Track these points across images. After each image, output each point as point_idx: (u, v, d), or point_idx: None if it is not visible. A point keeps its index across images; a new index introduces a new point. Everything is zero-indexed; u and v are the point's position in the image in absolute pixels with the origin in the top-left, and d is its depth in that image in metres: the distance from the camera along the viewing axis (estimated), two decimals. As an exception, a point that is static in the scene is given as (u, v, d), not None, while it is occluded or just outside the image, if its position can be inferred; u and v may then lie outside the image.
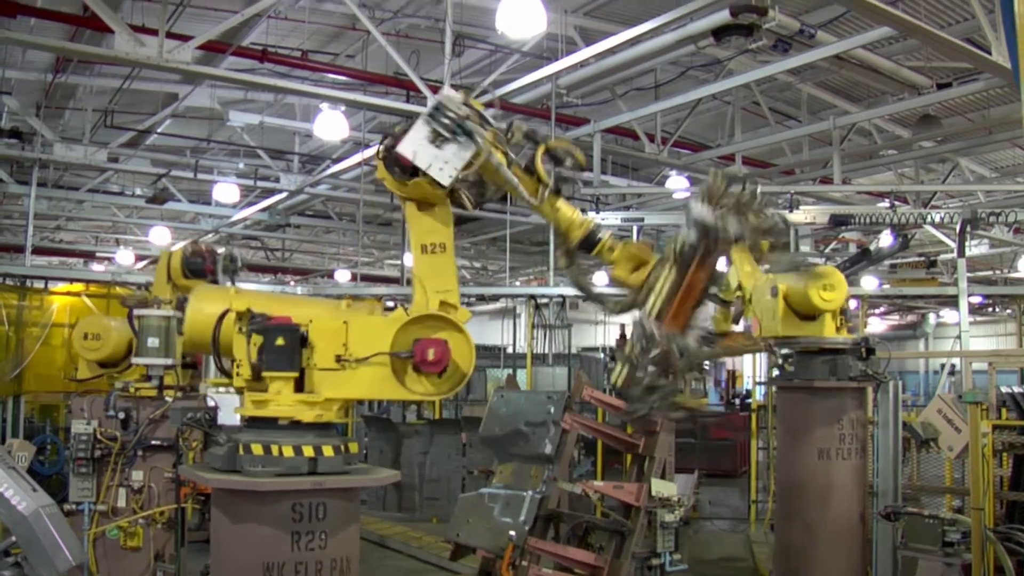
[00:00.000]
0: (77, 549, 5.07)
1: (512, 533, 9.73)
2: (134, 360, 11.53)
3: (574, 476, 11.05)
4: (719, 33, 12.32)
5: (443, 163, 6.58)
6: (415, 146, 6.57)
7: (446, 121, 6.55)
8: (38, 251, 27.90)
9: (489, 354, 31.22)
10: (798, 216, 17.94)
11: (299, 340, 6.71)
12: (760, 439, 20.03)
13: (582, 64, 14.23)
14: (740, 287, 10.16)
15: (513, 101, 16.06)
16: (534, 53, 15.99)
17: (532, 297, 21.03)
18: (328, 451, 6.93)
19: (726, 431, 26.80)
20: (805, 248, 20.20)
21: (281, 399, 6.82)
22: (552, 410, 10.26)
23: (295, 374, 6.77)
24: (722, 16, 11.97)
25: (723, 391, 42.19)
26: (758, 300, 10.56)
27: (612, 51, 13.44)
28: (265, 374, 6.75)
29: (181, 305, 11.79)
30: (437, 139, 6.56)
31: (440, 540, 15.33)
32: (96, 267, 33.56)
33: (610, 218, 19.01)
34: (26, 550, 5.01)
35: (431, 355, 6.59)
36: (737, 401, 37.33)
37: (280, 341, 6.73)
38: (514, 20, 12.40)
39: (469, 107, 6.76)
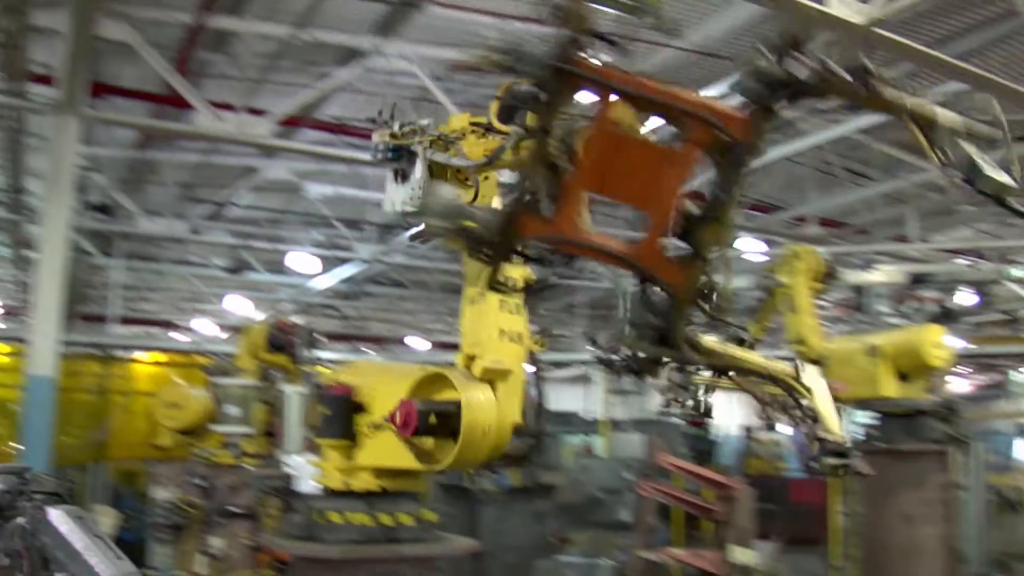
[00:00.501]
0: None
1: (589, 602, 9.60)
2: (214, 428, 11.67)
3: (652, 544, 10.88)
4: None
5: (394, 196, 6.13)
6: (387, 195, 6.19)
7: (381, 154, 6.14)
8: (122, 321, 28.48)
9: (564, 420, 31.00)
10: (875, 276, 17.65)
11: (349, 407, 6.69)
12: (842, 504, 19.54)
13: (653, 130, 14.24)
14: (800, 342, 9.99)
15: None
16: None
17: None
18: (405, 519, 6.89)
19: (807, 496, 26.20)
20: (883, 308, 19.88)
21: (328, 466, 6.83)
22: (629, 477, 10.15)
23: (345, 442, 6.74)
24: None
25: (803, 455, 41.39)
26: (845, 361, 10.34)
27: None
28: (319, 441, 6.78)
29: (266, 376, 12.00)
30: (397, 176, 6.19)
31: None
32: (177, 336, 34.14)
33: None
34: (109, 618, 5.02)
35: (397, 418, 6.38)
36: (816, 464, 36.52)
37: (330, 409, 6.74)
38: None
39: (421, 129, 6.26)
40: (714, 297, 5.44)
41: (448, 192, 5.57)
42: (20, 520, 5.32)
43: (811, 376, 6.51)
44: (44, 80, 13.48)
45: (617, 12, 4.45)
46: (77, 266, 19.62)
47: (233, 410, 11.40)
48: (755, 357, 6.77)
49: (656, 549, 10.33)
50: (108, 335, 21.30)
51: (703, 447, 18.07)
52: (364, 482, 6.91)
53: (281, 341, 11.97)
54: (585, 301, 21.29)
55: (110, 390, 18.31)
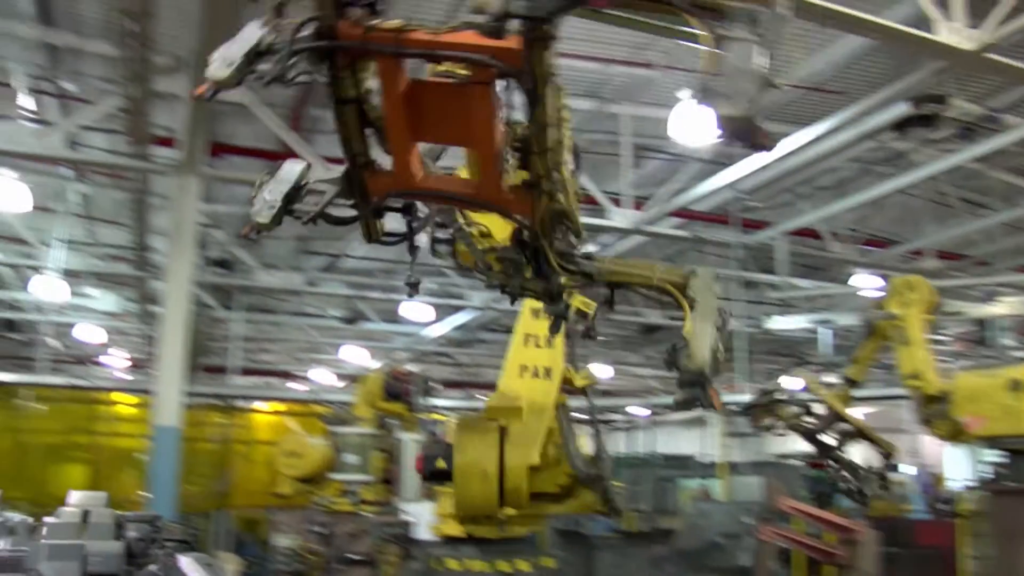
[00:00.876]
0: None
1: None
2: (333, 476, 11.85)
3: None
4: (901, 126, 12.06)
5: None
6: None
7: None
8: (243, 372, 29.19)
9: (680, 464, 30.65)
10: (998, 308, 17.11)
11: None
12: (971, 546, 18.86)
13: (761, 168, 14.11)
14: (915, 376, 9.72)
15: (694, 208, 16.02)
16: (713, 159, 15.96)
17: (723, 404, 20.59)
18: (523, 566, 6.91)
19: (934, 538, 25.34)
20: (1007, 341, 19.23)
21: (444, 513, 6.89)
22: (748, 521, 9.98)
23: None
24: (902, 108, 11.72)
25: (929, 496, 40.05)
26: (979, 396, 10.01)
27: (791, 153, 13.31)
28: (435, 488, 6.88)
29: (383, 424, 12.18)
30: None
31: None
32: (295, 386, 34.79)
33: (798, 321, 18.61)
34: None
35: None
36: (943, 506, 35.31)
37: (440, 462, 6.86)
38: (689, 129, 12.46)
39: None
40: (567, 223, 5.81)
41: (290, 171, 5.53)
42: (152, 567, 5.50)
43: (698, 289, 6.25)
44: (166, 142, 14.00)
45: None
46: (199, 319, 20.23)
47: (351, 458, 11.56)
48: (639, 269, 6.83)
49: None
50: (229, 386, 21.84)
51: (823, 489, 17.67)
52: (480, 529, 6.95)
53: (397, 389, 12.15)
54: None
55: (232, 439, 18.74)
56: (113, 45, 11.48)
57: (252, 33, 4.33)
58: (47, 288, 18.94)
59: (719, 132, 4.57)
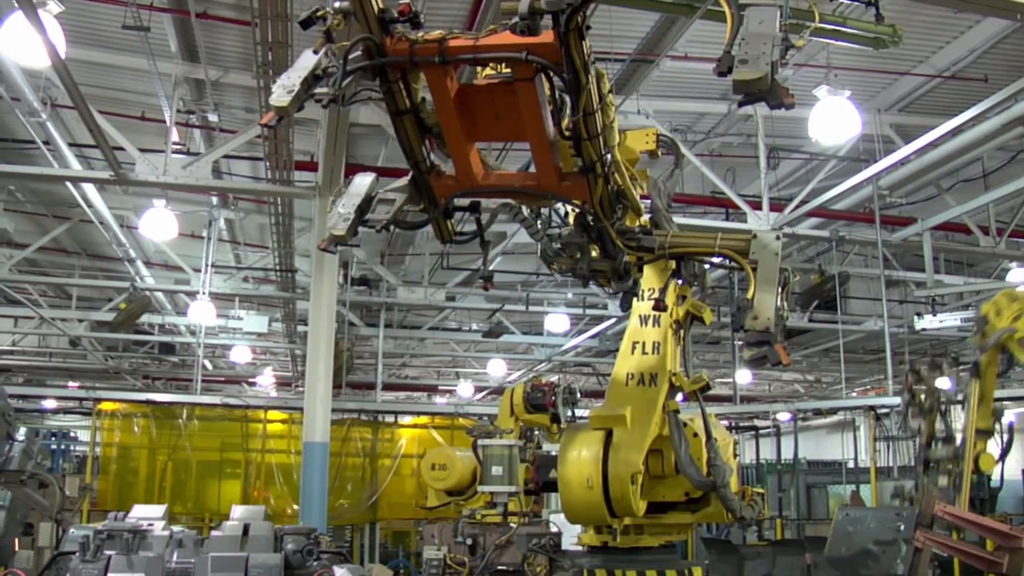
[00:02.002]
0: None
1: (866, 658, 9.22)
2: (479, 488, 11.98)
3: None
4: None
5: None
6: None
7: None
8: (387, 387, 29.80)
9: (829, 470, 29.99)
10: None
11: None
12: None
13: (902, 162, 13.76)
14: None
15: (834, 208, 15.72)
16: (851, 157, 15.65)
17: (871, 408, 20.11)
18: (670, 575, 6.90)
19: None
20: None
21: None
22: (902, 527, 9.71)
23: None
24: (1047, 93, 11.29)
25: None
26: None
27: (933, 145, 12.92)
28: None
29: (528, 436, 12.27)
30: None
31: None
32: (439, 400, 35.33)
33: (948, 319, 18.05)
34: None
35: None
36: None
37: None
38: (827, 127, 12.24)
39: None
40: (625, 202, 6.19)
41: (360, 184, 5.77)
42: (310, 579, 5.72)
43: (759, 251, 6.22)
44: (306, 166, 14.43)
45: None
46: (344, 337, 20.75)
47: (497, 469, 11.66)
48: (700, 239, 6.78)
49: (935, 602, 9.79)
50: (374, 401, 22.33)
51: (982, 494, 17.07)
52: (625, 538, 6.97)
53: (539, 400, 12.22)
54: (845, 345, 20.59)
55: (378, 454, 19.14)
56: (252, 75, 11.90)
57: (307, 60, 4.66)
58: (201, 312, 19.70)
59: (740, 96, 4.72)
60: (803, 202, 14.70)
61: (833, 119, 12.11)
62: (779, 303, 5.93)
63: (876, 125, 14.59)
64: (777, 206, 15.16)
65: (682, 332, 7.48)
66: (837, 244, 17.80)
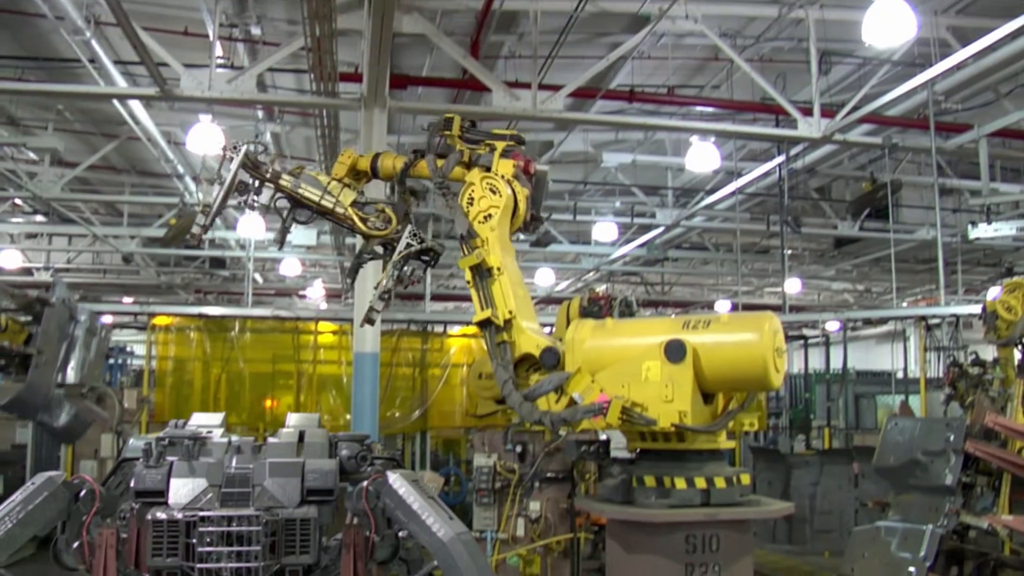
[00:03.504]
0: (490, 574, 5.47)
1: (912, 569, 9.28)
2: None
3: (977, 509, 10.35)
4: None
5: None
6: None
7: None
8: (436, 298, 30.02)
9: (878, 380, 29.95)
10: None
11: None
12: None
13: (959, 66, 13.40)
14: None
15: (887, 114, 15.47)
16: (905, 61, 15.30)
17: (922, 318, 19.98)
18: (720, 483, 6.98)
19: None
20: None
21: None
22: (952, 438, 9.70)
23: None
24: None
25: None
26: None
27: (992, 48, 12.55)
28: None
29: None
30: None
31: (834, 575, 14.89)
32: (488, 310, 35.47)
33: (1003, 228, 17.82)
34: (446, 573, 5.45)
35: None
36: None
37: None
38: (881, 29, 11.97)
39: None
40: None
41: None
42: (364, 483, 5.87)
43: None
44: (351, 78, 14.41)
45: None
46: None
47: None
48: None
49: (982, 515, 9.81)
50: (423, 311, 22.53)
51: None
52: (672, 444, 7.06)
53: (596, 313, 12.25)
54: (897, 254, 20.40)
55: (428, 364, 19.34)
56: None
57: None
58: (250, 226, 19.85)
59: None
60: (855, 108, 14.43)
61: (888, 21, 11.81)
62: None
63: (932, 27, 14.21)
64: (828, 112, 14.93)
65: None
66: (890, 151, 17.54)
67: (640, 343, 7.07)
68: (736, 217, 21.70)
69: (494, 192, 7.81)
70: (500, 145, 8.01)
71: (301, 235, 22.58)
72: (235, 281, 31.45)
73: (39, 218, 25.52)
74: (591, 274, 30.13)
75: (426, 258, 7.95)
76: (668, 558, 6.90)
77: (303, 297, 35.07)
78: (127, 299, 32.32)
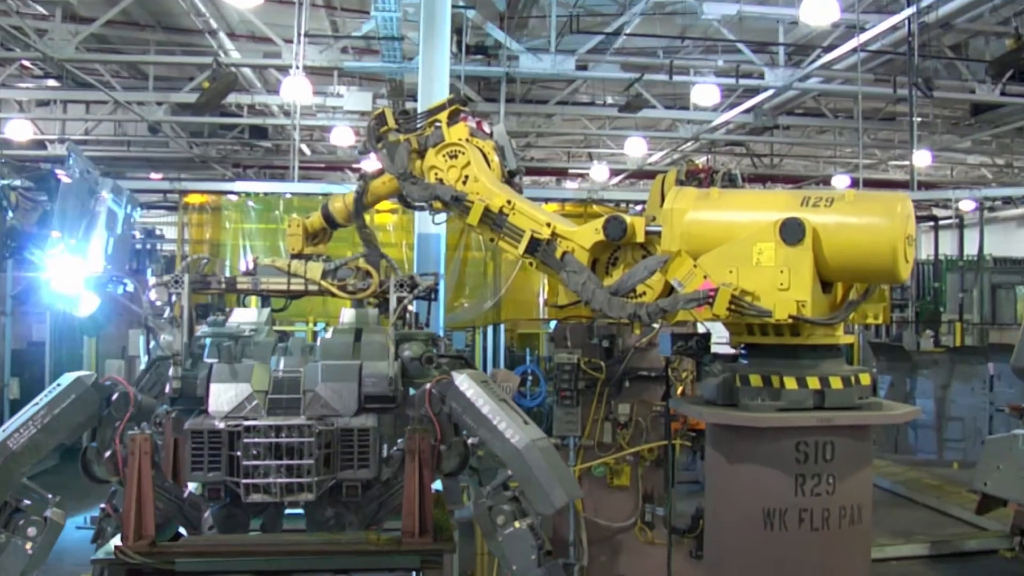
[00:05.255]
0: (572, 484, 5.43)
1: (1052, 482, 9.17)
2: (617, 283, 11.99)
3: None
4: None
5: None
6: None
7: None
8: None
9: (1018, 268, 29.32)
10: None
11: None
12: None
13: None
14: None
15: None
16: None
17: (1074, 195, 19.44)
18: (836, 383, 6.86)
19: None
20: None
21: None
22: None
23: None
24: None
25: None
26: None
27: None
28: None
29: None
30: None
31: (964, 490, 14.81)
32: (570, 185, 35.32)
33: None
34: (522, 484, 5.41)
35: None
36: None
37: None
38: None
39: None
40: None
41: None
42: (427, 386, 5.83)
43: None
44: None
45: None
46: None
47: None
48: None
49: None
50: (496, 187, 22.42)
51: None
52: (783, 338, 6.93)
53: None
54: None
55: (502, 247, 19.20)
56: None
57: None
58: (295, 89, 19.75)
59: None
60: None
61: None
62: None
63: None
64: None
65: None
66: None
67: (751, 220, 6.88)
68: (858, 79, 21.13)
69: (457, 156, 7.97)
70: (443, 116, 8.13)
71: (354, 99, 22.45)
72: (279, 153, 31.56)
73: (51, 83, 25.31)
74: (689, 144, 29.73)
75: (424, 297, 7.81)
76: (775, 468, 6.83)
77: (356, 171, 35.12)
78: (155, 175, 32.47)
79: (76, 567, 11.02)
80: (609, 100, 26.48)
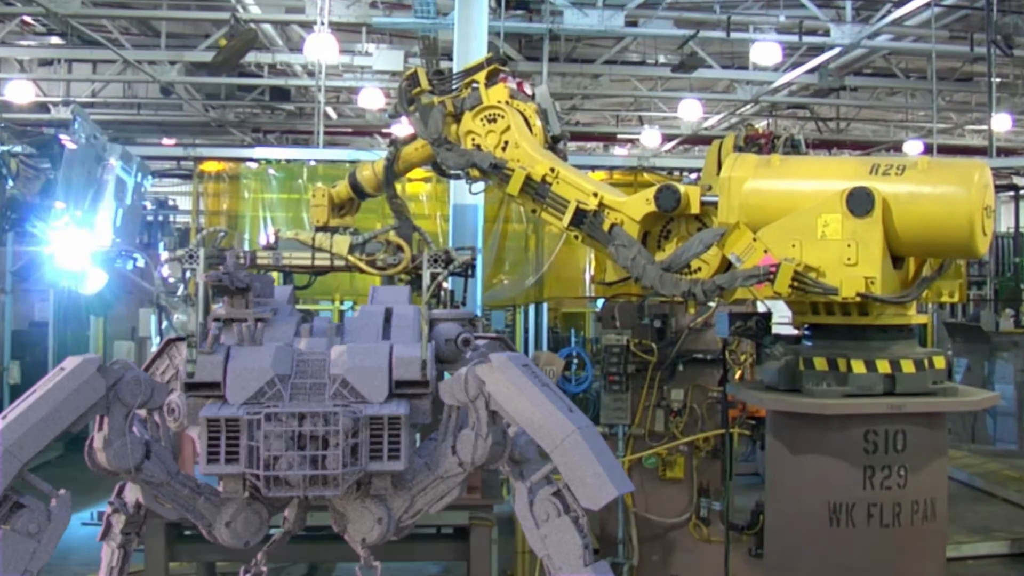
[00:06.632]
0: (620, 477, 5.39)
1: None
2: (670, 258, 12.01)
3: None
4: None
5: None
6: None
7: None
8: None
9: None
10: None
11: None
12: None
13: None
14: None
15: None
16: None
17: None
18: (908, 367, 6.85)
19: None
20: None
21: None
22: None
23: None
24: None
25: None
26: None
27: None
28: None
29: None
30: None
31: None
32: (619, 151, 35.25)
33: None
34: (566, 477, 5.41)
35: None
36: None
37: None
38: None
39: None
40: None
41: None
42: (463, 369, 5.83)
43: None
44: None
45: None
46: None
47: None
48: None
49: None
50: (538, 153, 22.43)
51: None
52: (851, 318, 6.92)
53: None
54: None
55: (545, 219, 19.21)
56: None
57: None
58: (320, 47, 19.78)
59: None
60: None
61: None
62: None
63: None
64: None
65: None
66: None
67: (815, 190, 6.87)
68: (932, 36, 20.97)
69: (496, 120, 8.02)
70: (481, 77, 8.17)
71: (384, 58, 22.48)
72: (302, 117, 31.64)
73: (55, 40, 25.43)
74: (748, 107, 29.61)
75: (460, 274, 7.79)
76: (842, 459, 6.86)
77: (387, 136, 35.18)
78: (167, 140, 32.59)
79: (82, 566, 11.09)
80: (661, 59, 26.41)
